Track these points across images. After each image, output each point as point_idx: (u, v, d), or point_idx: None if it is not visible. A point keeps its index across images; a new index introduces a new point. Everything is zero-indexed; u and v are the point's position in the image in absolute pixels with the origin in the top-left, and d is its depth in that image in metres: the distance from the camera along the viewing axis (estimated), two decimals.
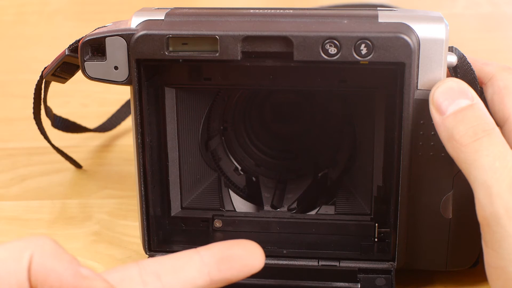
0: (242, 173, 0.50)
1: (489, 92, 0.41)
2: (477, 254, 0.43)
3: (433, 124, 0.39)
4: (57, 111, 0.55)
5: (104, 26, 0.43)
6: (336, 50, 0.39)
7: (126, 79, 0.41)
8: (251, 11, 0.41)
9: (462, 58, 0.42)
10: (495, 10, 0.93)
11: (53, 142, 0.54)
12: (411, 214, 0.42)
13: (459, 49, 0.42)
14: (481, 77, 0.42)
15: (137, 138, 0.43)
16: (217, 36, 0.39)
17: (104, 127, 0.61)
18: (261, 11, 0.41)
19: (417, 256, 0.43)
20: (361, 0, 0.84)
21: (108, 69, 0.41)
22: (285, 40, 0.39)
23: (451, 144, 0.37)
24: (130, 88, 0.42)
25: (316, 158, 0.50)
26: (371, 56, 0.38)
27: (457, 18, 0.89)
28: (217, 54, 0.39)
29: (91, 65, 0.42)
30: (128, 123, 0.62)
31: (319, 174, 0.49)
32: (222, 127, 0.49)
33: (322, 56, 0.39)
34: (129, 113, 0.60)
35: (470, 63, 0.42)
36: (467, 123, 0.37)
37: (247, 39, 0.39)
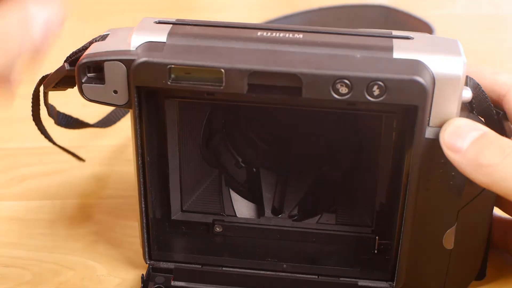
0: (243, 165, 0.49)
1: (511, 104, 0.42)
2: (475, 275, 0.45)
3: (441, 162, 0.39)
4: None
5: (101, 37, 0.41)
6: (347, 90, 0.37)
7: (126, 103, 0.40)
8: (259, 33, 0.39)
9: (476, 88, 0.41)
10: (495, 10, 0.93)
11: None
12: (413, 245, 0.42)
13: (474, 79, 0.41)
14: (497, 89, 0.42)
15: (137, 159, 0.42)
16: (222, 70, 0.37)
17: (104, 122, 0.61)
18: (269, 34, 0.39)
19: (415, 278, 0.44)
20: (360, 0, 0.84)
21: (107, 93, 0.40)
22: (294, 77, 0.37)
23: (481, 172, 0.37)
24: (131, 111, 0.41)
25: (318, 151, 0.49)
26: (383, 97, 0.37)
27: (457, 18, 0.89)
28: (222, 87, 0.37)
29: (89, 88, 0.40)
30: (128, 122, 0.62)
31: (321, 170, 0.49)
32: (223, 121, 0.49)
33: (332, 95, 0.37)
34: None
35: (484, 92, 0.41)
36: (490, 145, 0.37)
37: (255, 73, 0.37)
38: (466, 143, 0.37)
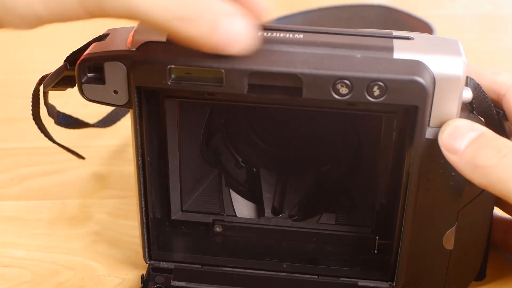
0: (243, 164, 0.49)
1: (511, 103, 0.42)
2: (475, 275, 0.45)
3: (441, 163, 0.39)
4: None
5: (101, 37, 0.41)
6: (347, 90, 0.37)
7: (126, 103, 0.40)
8: (259, 34, 0.39)
9: (477, 88, 0.41)
10: (495, 10, 0.93)
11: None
12: (413, 245, 0.42)
13: (474, 79, 0.41)
14: (496, 88, 0.42)
15: (137, 159, 0.42)
16: (222, 70, 0.37)
17: (105, 122, 0.61)
18: (269, 34, 0.39)
19: (415, 279, 0.44)
20: (360, 0, 0.84)
21: (107, 93, 0.40)
22: (295, 77, 0.37)
23: (478, 173, 0.37)
24: (131, 111, 0.41)
25: (318, 152, 0.49)
26: (383, 98, 0.37)
27: (457, 18, 0.89)
28: (222, 87, 0.37)
29: (89, 88, 0.40)
30: (128, 122, 0.62)
31: (321, 170, 0.49)
32: (223, 121, 0.49)
33: (332, 96, 0.37)
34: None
35: (484, 92, 0.41)
36: (487, 146, 0.37)
37: (255, 73, 0.37)
38: (463, 144, 0.37)
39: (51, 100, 0.47)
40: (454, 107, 0.38)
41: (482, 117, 0.42)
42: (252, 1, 0.38)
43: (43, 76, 0.44)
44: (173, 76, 0.38)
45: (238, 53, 0.36)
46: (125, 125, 0.64)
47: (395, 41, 0.38)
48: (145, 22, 0.35)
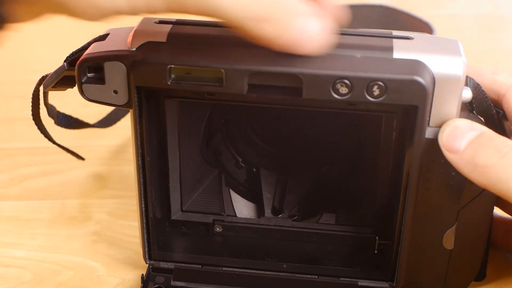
0: (243, 165, 0.49)
1: (511, 103, 0.42)
2: (475, 275, 0.45)
3: (441, 163, 0.39)
4: None
5: (101, 37, 0.41)
6: (347, 90, 0.37)
7: (126, 103, 0.40)
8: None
9: (476, 88, 0.41)
10: (495, 10, 0.93)
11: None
12: (413, 245, 0.42)
13: (473, 79, 0.41)
14: (496, 88, 0.42)
15: (137, 159, 0.42)
16: (222, 70, 0.37)
17: (105, 122, 0.61)
18: None
19: (415, 279, 0.44)
20: (361, 0, 0.84)
21: (107, 93, 0.40)
22: (295, 77, 0.37)
23: (477, 173, 0.37)
24: (131, 111, 0.41)
25: (318, 152, 0.49)
26: (383, 97, 0.37)
27: (457, 18, 0.89)
28: (222, 87, 0.37)
29: (89, 88, 0.40)
30: (128, 122, 0.62)
31: (321, 170, 0.49)
32: (223, 121, 0.49)
33: (332, 95, 0.37)
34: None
35: (484, 92, 0.41)
36: (486, 146, 0.37)
37: (255, 73, 0.37)
38: (463, 144, 0.37)
39: (51, 100, 0.47)
40: (454, 107, 0.38)
41: (482, 117, 0.42)
42: (330, 3, 0.39)
43: (43, 76, 0.44)
44: (173, 76, 0.38)
45: (311, 53, 0.36)
46: (125, 125, 0.64)
47: (395, 41, 0.38)
48: (222, 20, 0.35)
